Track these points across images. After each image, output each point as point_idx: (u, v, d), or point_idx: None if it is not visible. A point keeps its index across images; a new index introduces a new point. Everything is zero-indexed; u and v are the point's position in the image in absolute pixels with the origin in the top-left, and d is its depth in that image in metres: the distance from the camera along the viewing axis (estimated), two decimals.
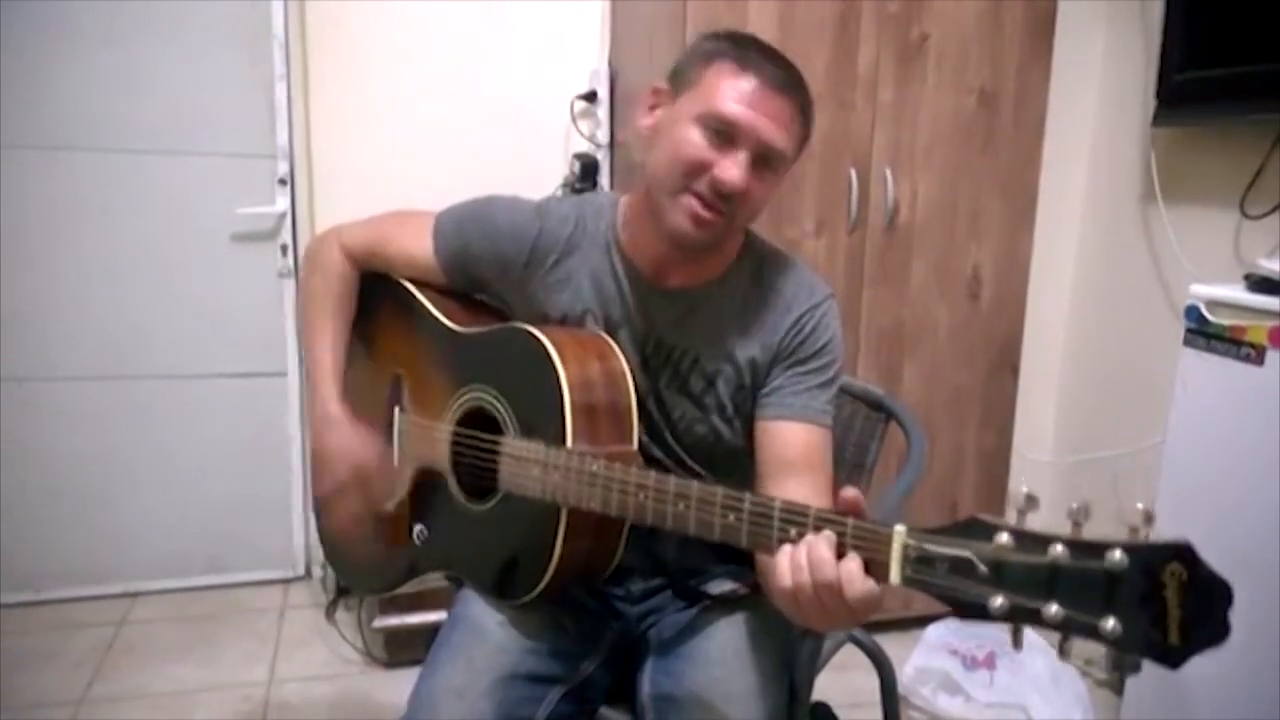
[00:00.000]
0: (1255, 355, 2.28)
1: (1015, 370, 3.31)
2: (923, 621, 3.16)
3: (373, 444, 1.87)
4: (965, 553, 1.00)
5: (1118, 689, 2.83)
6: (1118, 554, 0.90)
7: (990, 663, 2.91)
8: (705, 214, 1.55)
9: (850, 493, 1.16)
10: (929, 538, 1.04)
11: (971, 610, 1.00)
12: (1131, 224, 3.18)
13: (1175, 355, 2.50)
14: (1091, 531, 0.95)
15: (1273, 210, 2.66)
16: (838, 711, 1.88)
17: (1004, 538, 0.98)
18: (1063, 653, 0.97)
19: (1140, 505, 0.92)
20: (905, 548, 1.06)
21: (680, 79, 1.61)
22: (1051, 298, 3.44)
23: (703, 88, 1.56)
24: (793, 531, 1.19)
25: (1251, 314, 2.30)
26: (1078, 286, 3.45)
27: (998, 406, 3.32)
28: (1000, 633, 2.70)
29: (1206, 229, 2.87)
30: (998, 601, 0.97)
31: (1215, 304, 2.39)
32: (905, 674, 2.92)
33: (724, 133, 1.52)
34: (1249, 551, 2.18)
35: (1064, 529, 0.96)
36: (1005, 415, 3.34)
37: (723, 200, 1.54)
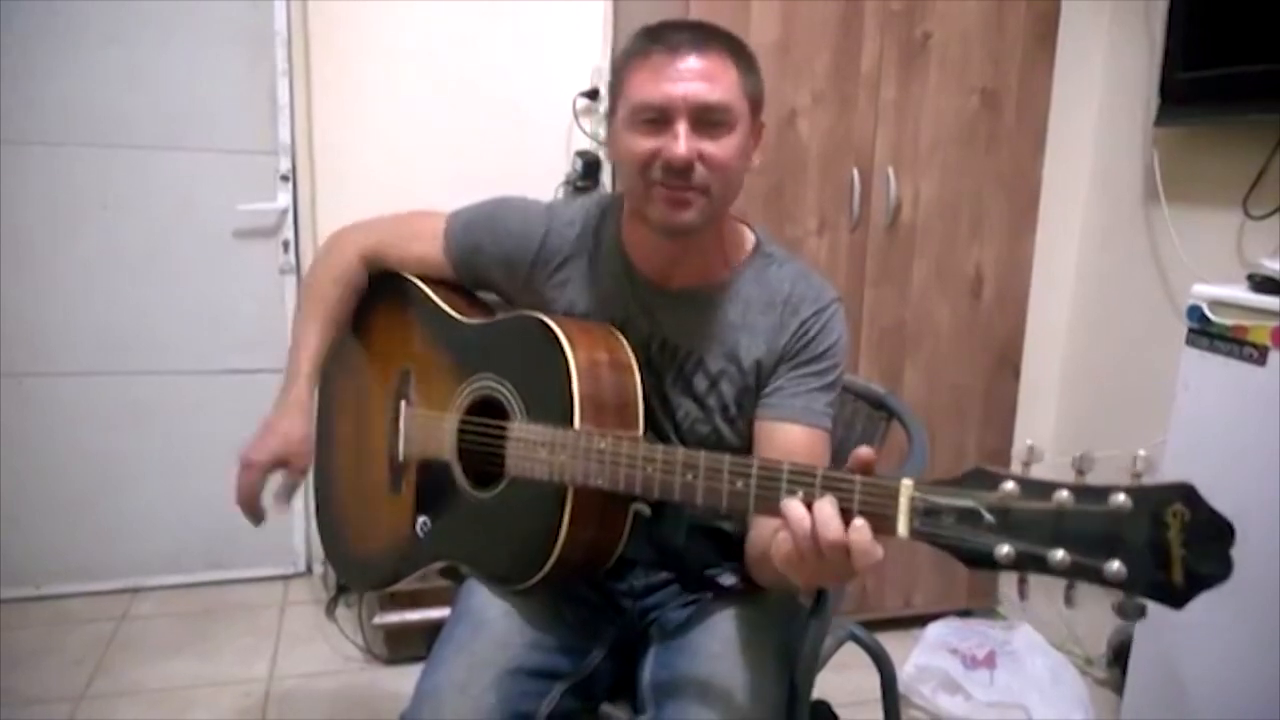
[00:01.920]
0: (1258, 355, 2.28)
1: (1016, 370, 3.32)
2: (923, 620, 3.17)
3: (307, 441, 1.89)
4: (971, 502, 1.01)
5: (1118, 688, 2.83)
6: (1121, 497, 0.91)
7: (990, 662, 2.92)
8: (677, 195, 1.55)
9: (864, 451, 1.17)
10: (935, 489, 1.05)
11: (979, 559, 1.00)
12: (1134, 224, 3.18)
13: (1177, 355, 2.49)
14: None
15: (1276, 210, 2.66)
16: (838, 710, 1.88)
17: (1009, 486, 0.98)
18: (1068, 601, 0.97)
19: (1142, 451, 0.93)
20: (912, 500, 1.07)
21: (614, 94, 1.65)
22: (1053, 297, 3.44)
23: (626, 90, 1.58)
24: (801, 493, 1.19)
25: (1254, 314, 2.30)
26: (1080, 286, 3.45)
27: (999, 406, 3.32)
28: (1000, 632, 2.70)
29: (1209, 229, 2.87)
30: (1004, 550, 0.98)
31: (1218, 304, 2.39)
32: (905, 673, 2.92)
33: (654, 119, 1.53)
34: (1250, 552, 2.17)
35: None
36: (1006, 415, 3.35)
37: (684, 176, 1.53)
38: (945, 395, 3.25)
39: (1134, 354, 3.19)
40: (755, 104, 1.61)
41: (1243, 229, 2.77)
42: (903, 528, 1.08)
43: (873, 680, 1.95)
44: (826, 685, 1.82)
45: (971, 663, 2.94)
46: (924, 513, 1.06)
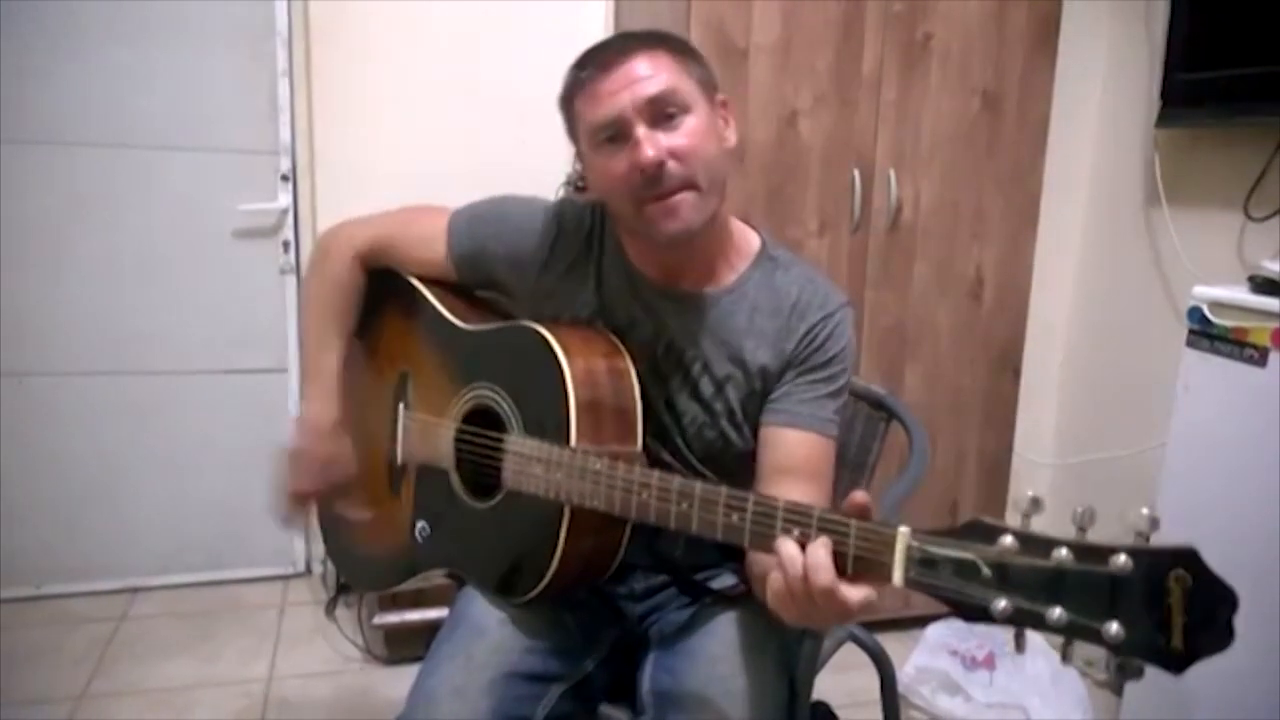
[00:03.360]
0: (1258, 357, 2.28)
1: (1017, 371, 3.32)
2: (923, 621, 3.16)
3: (348, 461, 1.89)
4: (969, 555, 1.00)
5: (1118, 690, 2.83)
6: (1122, 559, 0.90)
7: (990, 663, 2.91)
8: (669, 203, 1.53)
9: (859, 497, 1.16)
10: (933, 540, 1.04)
11: (974, 613, 1.00)
12: (1134, 225, 3.18)
13: (1177, 357, 2.50)
14: (1095, 535, 0.95)
15: (1277, 212, 2.65)
16: (837, 711, 1.87)
17: (1008, 540, 0.97)
18: (1065, 657, 0.97)
19: (1145, 510, 0.92)
20: (909, 549, 1.06)
21: (572, 136, 1.66)
22: (1054, 299, 3.43)
23: (579, 122, 1.59)
24: (796, 532, 1.18)
25: (1254, 315, 2.30)
26: (1080, 288, 3.44)
27: (999, 408, 3.32)
28: (1001, 634, 2.70)
29: (1210, 230, 2.87)
30: (1001, 604, 0.97)
31: (1218, 305, 2.39)
32: (905, 674, 2.92)
33: (614, 136, 1.53)
34: (1251, 553, 2.18)
35: (1066, 532, 0.96)
36: (1006, 417, 3.35)
37: (666, 178, 1.52)
38: (945, 396, 3.25)
39: (1134, 355, 3.19)
40: (706, 85, 1.60)
41: (1243, 231, 2.77)
42: (898, 576, 1.07)
43: (872, 681, 1.94)
44: (826, 686, 1.82)
45: (971, 664, 2.93)
46: (920, 562, 1.05)
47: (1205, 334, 2.41)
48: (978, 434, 3.31)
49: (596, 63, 1.55)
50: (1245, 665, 2.23)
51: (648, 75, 1.52)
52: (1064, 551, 0.94)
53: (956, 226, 3.14)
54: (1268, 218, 2.68)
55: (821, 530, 1.15)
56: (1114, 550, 0.91)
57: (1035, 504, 1.00)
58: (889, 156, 3.04)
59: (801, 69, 2.91)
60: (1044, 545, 0.96)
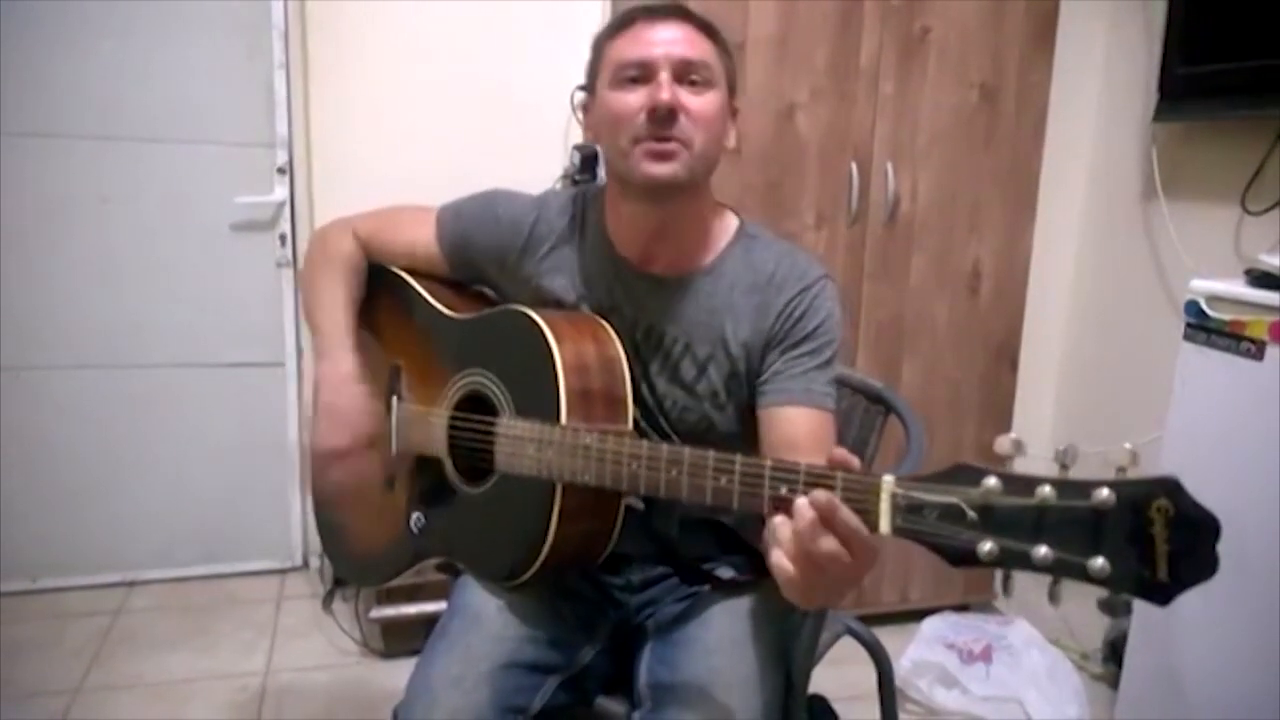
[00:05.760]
0: (1255, 350, 2.28)
1: (1014, 365, 3.32)
2: (919, 615, 3.17)
3: (378, 415, 1.86)
4: (953, 499, 1.00)
5: (1113, 683, 2.82)
6: (1104, 492, 0.90)
7: (986, 656, 2.91)
8: (660, 146, 1.55)
9: (841, 452, 1.16)
10: (917, 486, 1.04)
11: (961, 556, 0.99)
12: (1132, 219, 3.18)
13: (1175, 350, 2.49)
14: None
15: (1274, 206, 2.66)
16: (834, 704, 1.88)
17: (991, 481, 0.97)
18: (1052, 596, 0.97)
19: (1127, 445, 0.92)
20: (894, 497, 1.06)
21: (591, 75, 1.66)
22: (1051, 293, 3.44)
23: (606, 59, 1.60)
24: (784, 489, 1.18)
25: (1252, 309, 2.30)
26: (1078, 281, 3.45)
27: (996, 401, 3.32)
28: (996, 626, 2.69)
29: (1207, 224, 2.87)
30: (986, 546, 0.97)
31: (1215, 299, 2.38)
32: (901, 667, 2.92)
33: (637, 76, 1.55)
34: (1248, 548, 2.17)
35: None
36: (1004, 410, 3.34)
37: (668, 125, 1.54)
38: (943, 390, 3.25)
39: (1131, 349, 3.19)
40: (730, 81, 1.64)
41: (1240, 224, 2.78)
42: (885, 525, 1.07)
43: (869, 675, 1.95)
44: (823, 679, 1.82)
45: (968, 657, 2.93)
46: (906, 509, 1.05)
47: (1202, 327, 2.40)
48: (975, 427, 3.31)
49: (643, 14, 1.59)
50: (1241, 659, 2.24)
51: (688, 41, 1.57)
52: (1047, 489, 0.94)
53: (954, 220, 3.14)
54: (1265, 211, 2.69)
55: (809, 484, 1.15)
56: (1096, 485, 0.91)
57: (1017, 445, 1.00)
58: (886, 150, 3.04)
59: (799, 62, 2.92)
60: (1027, 484, 0.96)
